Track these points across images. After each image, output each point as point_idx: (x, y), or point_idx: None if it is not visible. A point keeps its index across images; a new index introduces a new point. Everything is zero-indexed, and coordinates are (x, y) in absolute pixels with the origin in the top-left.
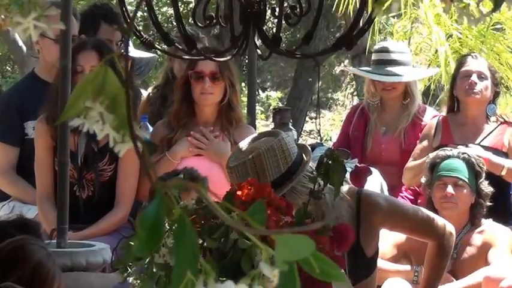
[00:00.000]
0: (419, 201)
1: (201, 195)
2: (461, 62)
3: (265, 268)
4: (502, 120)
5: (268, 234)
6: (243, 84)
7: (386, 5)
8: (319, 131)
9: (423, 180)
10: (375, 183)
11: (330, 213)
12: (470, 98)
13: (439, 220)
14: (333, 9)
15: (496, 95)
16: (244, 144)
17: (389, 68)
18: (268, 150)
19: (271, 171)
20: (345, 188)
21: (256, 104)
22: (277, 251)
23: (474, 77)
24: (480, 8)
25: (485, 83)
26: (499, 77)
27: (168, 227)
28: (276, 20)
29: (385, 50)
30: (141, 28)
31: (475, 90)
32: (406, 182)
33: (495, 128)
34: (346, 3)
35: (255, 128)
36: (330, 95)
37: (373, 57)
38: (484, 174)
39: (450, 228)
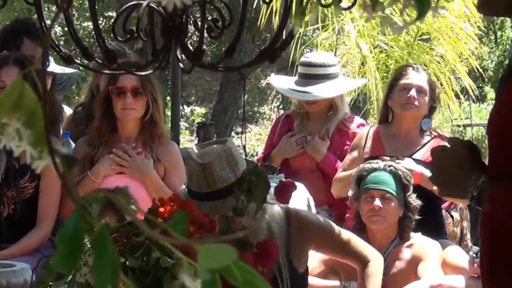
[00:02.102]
0: (347, 215)
1: (123, 209)
2: (400, 72)
3: (187, 279)
4: (436, 134)
5: (191, 244)
6: (168, 98)
7: (307, 17)
8: (244, 146)
9: (350, 193)
10: (302, 198)
11: (258, 229)
12: (406, 112)
13: (367, 246)
14: (258, 22)
15: (432, 109)
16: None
17: (312, 87)
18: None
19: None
20: (275, 205)
21: (181, 119)
22: (199, 260)
23: (413, 92)
24: (404, 16)
25: (424, 99)
26: (438, 92)
27: (89, 246)
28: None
29: (310, 64)
30: (62, 43)
31: (412, 106)
32: (335, 193)
33: (428, 142)
34: (269, 16)
35: (179, 144)
36: (256, 108)
37: (299, 69)
38: (411, 188)
39: (377, 256)
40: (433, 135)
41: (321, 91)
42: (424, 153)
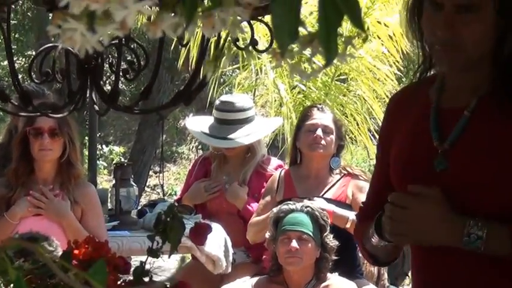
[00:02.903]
0: (264, 256)
1: (38, 255)
2: (306, 114)
3: None
4: (346, 173)
5: None
6: (86, 138)
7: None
8: (162, 185)
9: (267, 235)
10: (219, 238)
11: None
12: (314, 152)
13: None
14: (177, 62)
15: (340, 148)
16: None
17: (229, 132)
18: None
19: None
20: None
21: (100, 159)
22: None
23: (319, 132)
24: (312, 64)
25: (330, 137)
26: (344, 130)
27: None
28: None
29: (225, 109)
30: None
31: (320, 145)
32: (251, 238)
33: (338, 180)
34: (188, 56)
35: (96, 185)
36: (174, 148)
37: (215, 114)
38: (328, 228)
39: None
40: (342, 174)
41: (238, 138)
42: (335, 192)
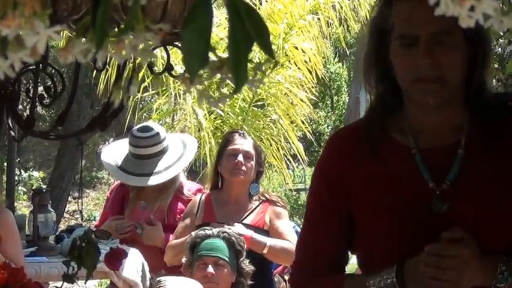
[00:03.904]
0: None
1: None
2: (227, 139)
3: None
4: (264, 199)
5: None
6: (5, 164)
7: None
8: (81, 211)
9: (184, 260)
10: (136, 263)
11: None
12: (235, 178)
13: None
14: (97, 87)
15: (259, 174)
16: None
17: (145, 171)
18: None
19: None
20: None
21: (19, 185)
22: None
23: (240, 157)
24: (221, 90)
25: (251, 163)
26: (263, 157)
27: None
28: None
29: (139, 145)
30: None
31: (240, 171)
32: (168, 261)
33: (257, 207)
34: (108, 82)
35: (14, 211)
36: (94, 173)
37: (130, 149)
38: (244, 253)
39: None
40: (261, 200)
41: (159, 174)
42: (253, 218)
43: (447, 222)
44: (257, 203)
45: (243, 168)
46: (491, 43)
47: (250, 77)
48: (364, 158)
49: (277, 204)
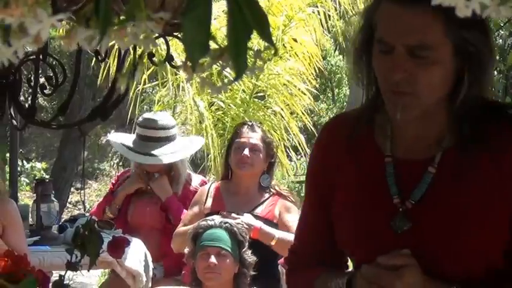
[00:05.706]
0: (183, 272)
1: None
2: (236, 131)
3: None
4: (275, 192)
5: None
6: (8, 154)
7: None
8: (83, 201)
9: (186, 250)
10: (138, 253)
11: None
12: (241, 171)
13: None
14: (98, 79)
15: (270, 165)
16: None
17: (152, 149)
18: None
19: None
20: None
21: (22, 175)
22: None
23: (246, 151)
24: (222, 77)
25: (259, 156)
26: (273, 148)
27: None
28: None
29: (149, 126)
30: None
31: (246, 165)
32: (176, 248)
33: (267, 199)
34: (109, 73)
35: (17, 201)
36: (96, 165)
37: (138, 130)
38: (247, 244)
39: None
40: (271, 192)
41: (163, 155)
42: (263, 210)
43: (405, 242)
44: (267, 195)
45: (249, 161)
46: (493, 61)
47: (250, 65)
48: (343, 155)
49: (288, 198)
